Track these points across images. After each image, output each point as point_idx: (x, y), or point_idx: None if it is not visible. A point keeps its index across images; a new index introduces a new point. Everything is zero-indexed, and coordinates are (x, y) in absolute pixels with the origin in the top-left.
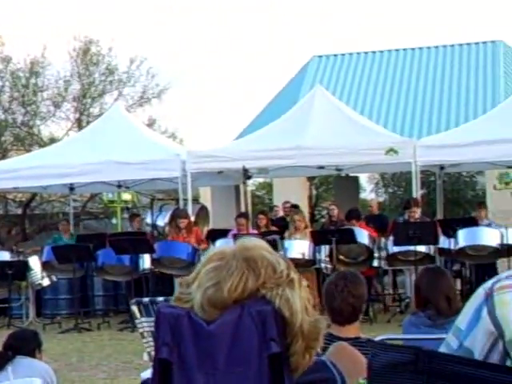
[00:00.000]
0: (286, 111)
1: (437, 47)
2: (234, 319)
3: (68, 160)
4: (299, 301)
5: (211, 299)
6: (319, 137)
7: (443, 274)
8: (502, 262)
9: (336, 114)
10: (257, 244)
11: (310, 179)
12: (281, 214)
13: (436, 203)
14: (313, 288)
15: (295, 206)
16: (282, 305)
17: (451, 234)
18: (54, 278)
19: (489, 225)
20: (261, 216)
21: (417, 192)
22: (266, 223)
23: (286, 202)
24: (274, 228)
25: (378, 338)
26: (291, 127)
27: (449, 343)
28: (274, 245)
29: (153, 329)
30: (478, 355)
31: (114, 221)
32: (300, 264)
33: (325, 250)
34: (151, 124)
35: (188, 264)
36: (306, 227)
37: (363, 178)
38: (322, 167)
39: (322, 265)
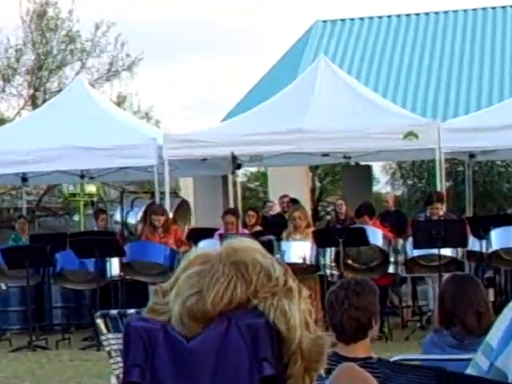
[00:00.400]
0: (283, 87)
1: (465, 11)
2: (219, 334)
3: (20, 145)
4: (298, 314)
5: (192, 310)
6: (323, 118)
7: (473, 284)
8: None
9: (343, 90)
10: (248, 245)
11: (313, 169)
12: (277, 210)
13: (464, 198)
14: (315, 299)
15: (295, 201)
16: (277, 318)
17: (483, 234)
18: (4, 286)
19: None
20: (251, 213)
21: (441, 184)
22: (256, 222)
23: (284, 196)
24: (259, 228)
25: (394, 359)
26: (290, 106)
27: (477, 363)
28: (270, 247)
29: (122, 347)
30: None
31: (75, 218)
32: (300, 270)
33: (330, 253)
34: (121, 102)
35: (165, 269)
36: (307, 226)
37: (377, 168)
38: (326, 154)
39: (327, 271)
